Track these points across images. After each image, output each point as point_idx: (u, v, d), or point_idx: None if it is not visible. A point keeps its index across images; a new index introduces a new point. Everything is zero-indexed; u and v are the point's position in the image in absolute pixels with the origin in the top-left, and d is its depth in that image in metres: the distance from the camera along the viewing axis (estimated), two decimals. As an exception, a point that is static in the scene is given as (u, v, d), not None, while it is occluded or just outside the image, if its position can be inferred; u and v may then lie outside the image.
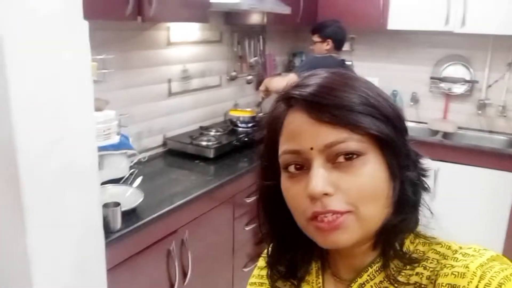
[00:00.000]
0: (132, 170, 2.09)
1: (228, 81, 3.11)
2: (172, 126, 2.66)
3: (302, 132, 0.54)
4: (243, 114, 2.93)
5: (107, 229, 1.59)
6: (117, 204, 1.60)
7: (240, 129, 2.87)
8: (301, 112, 0.55)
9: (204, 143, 2.51)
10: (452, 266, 0.53)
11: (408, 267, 0.56)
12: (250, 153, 2.65)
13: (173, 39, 2.53)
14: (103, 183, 2.00)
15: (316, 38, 2.70)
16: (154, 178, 2.20)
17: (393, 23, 3.21)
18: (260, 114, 2.98)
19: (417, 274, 0.56)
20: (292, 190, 0.56)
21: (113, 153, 2.02)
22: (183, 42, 2.64)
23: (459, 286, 0.50)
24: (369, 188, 0.53)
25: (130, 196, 1.83)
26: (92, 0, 1.60)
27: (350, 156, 0.53)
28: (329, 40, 2.65)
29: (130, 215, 1.76)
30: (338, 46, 2.69)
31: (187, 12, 2.11)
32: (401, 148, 0.56)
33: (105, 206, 1.59)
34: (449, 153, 3.01)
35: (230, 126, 2.89)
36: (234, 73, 3.11)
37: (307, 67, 2.53)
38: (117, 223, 1.60)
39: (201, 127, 2.82)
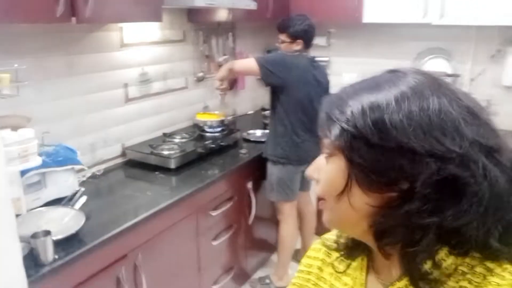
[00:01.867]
0: (78, 189, 1.89)
1: (195, 82, 2.91)
2: (131, 134, 2.46)
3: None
4: (211, 118, 2.74)
5: (37, 262, 1.40)
6: (47, 233, 1.41)
7: (208, 134, 2.67)
8: None
9: (165, 152, 2.32)
10: (498, 285, 0.53)
11: (451, 278, 0.56)
12: (218, 160, 2.46)
13: (127, 40, 2.33)
14: (46, 204, 1.81)
15: (284, 37, 2.49)
16: (105, 195, 2.01)
17: (368, 16, 3.02)
18: (229, 117, 2.78)
19: (460, 287, 0.56)
20: None
21: (55, 169, 1.82)
22: (140, 43, 2.43)
23: None
24: (326, 182, 0.62)
25: (70, 220, 1.63)
26: (9, 1, 1.40)
27: (327, 155, 0.62)
28: (299, 41, 2.45)
29: (70, 242, 1.56)
30: (308, 45, 2.50)
31: (135, 11, 1.90)
32: (364, 155, 0.56)
33: (33, 236, 1.39)
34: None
35: (197, 131, 2.70)
36: (201, 74, 2.92)
37: (275, 63, 2.34)
38: (49, 254, 1.40)
39: (164, 134, 2.62)
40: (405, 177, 0.53)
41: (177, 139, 2.55)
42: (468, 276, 0.55)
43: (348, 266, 0.70)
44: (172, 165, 2.24)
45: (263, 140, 2.73)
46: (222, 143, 2.59)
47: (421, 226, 0.53)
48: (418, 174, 0.52)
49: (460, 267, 0.56)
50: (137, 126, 2.49)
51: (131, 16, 1.91)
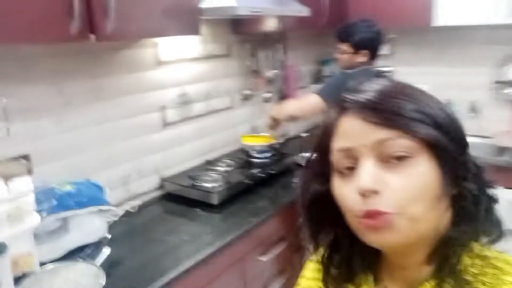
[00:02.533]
0: (105, 235, 1.61)
1: (242, 101, 2.60)
2: (170, 163, 2.17)
3: (354, 131, 0.57)
4: (259, 141, 2.40)
5: None
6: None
7: (255, 160, 2.34)
8: (354, 115, 0.57)
9: (207, 185, 2.00)
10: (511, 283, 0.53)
11: (464, 283, 0.55)
12: (268, 192, 2.12)
13: (163, 58, 2.05)
14: (71, 252, 1.54)
15: (346, 47, 2.11)
16: (137, 239, 1.71)
17: (440, 18, 2.59)
18: (281, 140, 2.43)
19: None
20: (343, 189, 0.58)
21: (79, 212, 1.55)
22: (179, 59, 2.14)
23: None
24: (417, 189, 0.54)
25: (89, 280, 1.34)
26: (10, 18, 1.14)
27: (401, 157, 0.54)
28: (365, 51, 2.07)
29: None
30: (374, 56, 2.11)
31: (167, 24, 1.61)
32: (456, 157, 0.56)
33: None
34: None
35: (244, 157, 2.37)
36: (248, 91, 2.59)
37: (334, 88, 1.97)
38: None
39: (207, 162, 2.31)
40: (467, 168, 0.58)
41: (221, 167, 2.23)
42: (480, 277, 0.55)
43: (353, 282, 0.66)
44: (216, 200, 1.92)
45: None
46: (272, 171, 2.25)
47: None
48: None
49: (470, 269, 0.55)
50: (176, 154, 2.20)
51: (162, 30, 1.62)
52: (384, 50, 2.92)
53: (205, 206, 1.94)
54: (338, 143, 0.58)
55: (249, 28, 2.44)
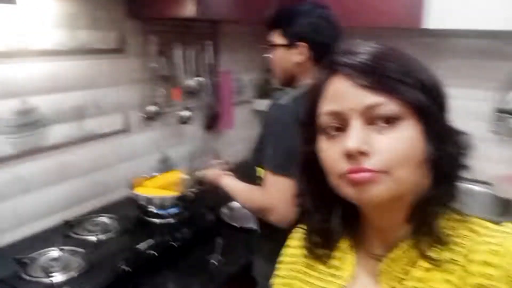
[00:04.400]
0: None
1: (144, 121, 1.72)
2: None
3: (343, 94, 0.57)
4: (159, 193, 1.53)
5: None
6: None
7: (155, 220, 1.48)
8: (345, 77, 0.57)
9: (54, 275, 1.11)
10: (487, 243, 0.54)
11: (441, 243, 0.57)
12: (170, 282, 1.26)
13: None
14: None
15: (277, 37, 1.29)
16: None
17: (432, 20, 1.85)
18: (190, 192, 1.55)
19: (451, 250, 0.56)
20: (328, 151, 0.58)
21: None
22: (16, 52, 1.25)
23: (494, 263, 0.52)
24: (404, 151, 0.55)
25: None
26: None
27: (388, 119, 0.55)
28: (303, 44, 1.24)
29: None
30: (319, 55, 1.26)
31: None
32: (439, 119, 0.58)
33: None
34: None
35: (137, 213, 1.50)
36: (153, 108, 1.73)
37: (286, 154, 1.14)
38: None
39: (66, 224, 1.41)
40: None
41: (90, 234, 1.35)
42: (456, 239, 0.57)
43: (332, 249, 0.67)
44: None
45: (254, 227, 1.53)
46: (177, 241, 1.39)
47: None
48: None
49: (447, 231, 0.57)
50: (6, 211, 1.30)
51: None
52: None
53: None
54: (327, 106, 0.58)
55: (156, 10, 1.57)
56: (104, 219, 1.46)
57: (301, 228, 0.71)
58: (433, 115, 0.56)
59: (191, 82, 1.85)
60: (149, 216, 1.48)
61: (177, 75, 1.79)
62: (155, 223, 1.46)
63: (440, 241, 0.56)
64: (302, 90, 1.18)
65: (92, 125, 1.51)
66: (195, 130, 1.97)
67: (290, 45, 1.25)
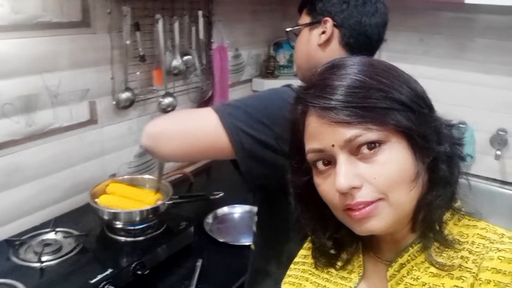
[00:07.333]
0: None
1: (116, 110, 1.43)
2: None
3: (321, 132, 0.56)
4: (127, 204, 1.25)
5: None
6: None
7: (121, 238, 1.21)
8: (317, 116, 0.56)
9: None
10: (498, 250, 0.53)
11: (449, 249, 0.56)
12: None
13: None
14: None
15: (303, 17, 1.01)
16: None
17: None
18: (163, 202, 1.27)
19: (461, 257, 0.55)
20: (323, 186, 0.58)
21: None
22: None
23: (504, 271, 0.51)
24: (395, 174, 0.54)
25: None
26: None
27: (373, 145, 0.54)
28: (326, 19, 0.94)
29: None
30: (348, 37, 0.94)
31: None
32: (426, 129, 0.56)
33: None
34: None
35: (102, 228, 1.24)
36: (127, 94, 1.43)
37: (253, 121, 0.84)
38: None
39: (7, 242, 1.15)
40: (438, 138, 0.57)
41: (34, 259, 1.09)
42: (467, 246, 0.55)
43: (341, 252, 0.67)
44: None
45: (247, 243, 1.28)
46: (144, 270, 1.13)
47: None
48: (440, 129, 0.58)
49: (457, 237, 0.56)
50: None
51: None
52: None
53: None
54: (309, 145, 0.58)
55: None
56: (58, 236, 1.19)
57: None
58: (415, 131, 0.55)
59: (176, 62, 1.54)
60: (114, 233, 1.22)
61: (158, 54, 1.48)
62: (120, 242, 1.20)
63: (448, 246, 0.56)
64: None
65: (47, 118, 1.22)
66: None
67: (313, 23, 0.97)
